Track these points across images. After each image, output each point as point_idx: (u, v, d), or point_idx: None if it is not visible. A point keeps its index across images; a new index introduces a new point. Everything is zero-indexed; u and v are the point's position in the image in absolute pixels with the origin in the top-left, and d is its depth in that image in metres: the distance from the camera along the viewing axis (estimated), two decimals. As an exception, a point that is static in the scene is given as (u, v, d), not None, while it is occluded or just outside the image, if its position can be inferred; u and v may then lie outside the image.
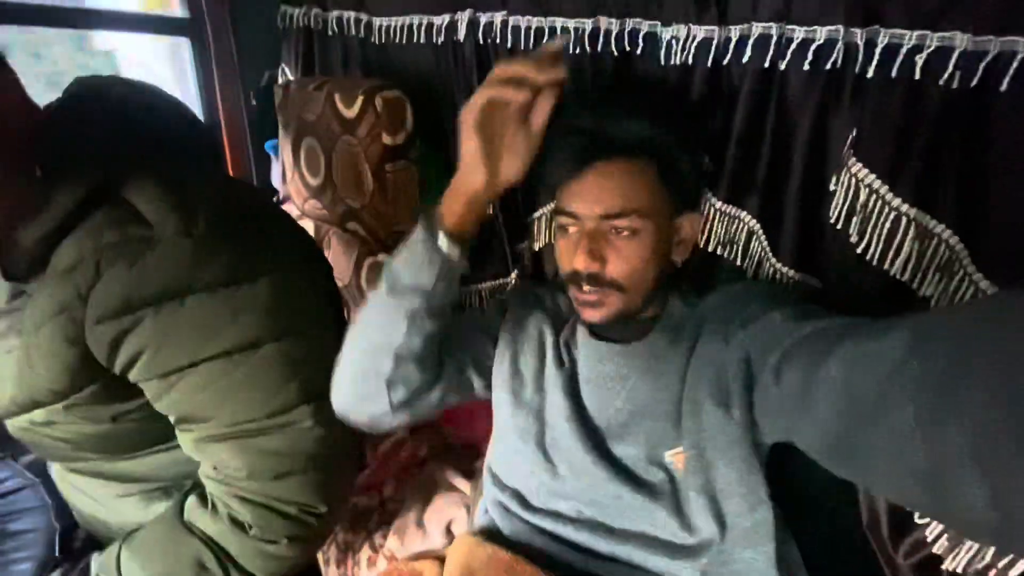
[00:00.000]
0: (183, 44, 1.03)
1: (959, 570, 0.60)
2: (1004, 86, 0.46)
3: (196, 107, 1.09)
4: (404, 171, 0.81)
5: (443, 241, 0.54)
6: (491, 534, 0.69)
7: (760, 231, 0.68)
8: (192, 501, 0.62)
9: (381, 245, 0.85)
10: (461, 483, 0.83)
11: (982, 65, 0.47)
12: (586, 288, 0.62)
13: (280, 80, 1.09)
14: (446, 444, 0.89)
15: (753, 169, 0.65)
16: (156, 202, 0.52)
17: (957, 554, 0.59)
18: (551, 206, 0.84)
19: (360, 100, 0.77)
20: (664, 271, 0.64)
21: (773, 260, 0.67)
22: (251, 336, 0.54)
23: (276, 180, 1.14)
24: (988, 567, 0.58)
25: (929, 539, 0.61)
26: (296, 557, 0.61)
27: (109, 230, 0.51)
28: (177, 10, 1.02)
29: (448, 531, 0.77)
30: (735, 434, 0.58)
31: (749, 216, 0.68)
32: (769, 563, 0.59)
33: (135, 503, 0.68)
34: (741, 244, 0.70)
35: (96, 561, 0.64)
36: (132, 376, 0.55)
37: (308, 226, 0.98)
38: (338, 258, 0.91)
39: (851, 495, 0.67)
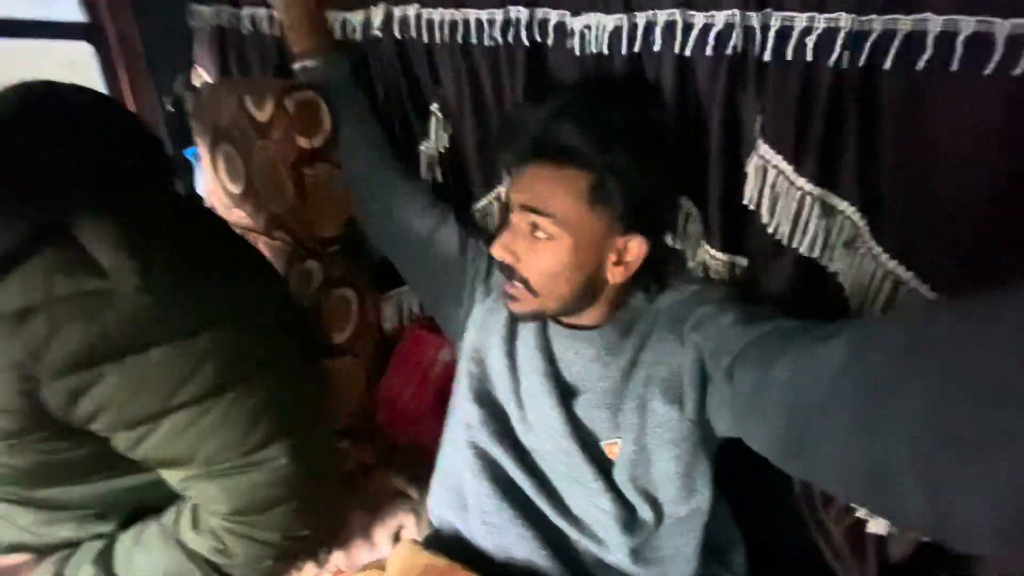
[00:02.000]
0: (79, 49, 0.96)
1: (881, 532, 0.63)
2: (888, 64, 0.48)
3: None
4: (324, 175, 0.79)
5: (297, 66, 0.79)
6: (439, 538, 0.69)
7: (696, 213, 0.68)
8: (185, 520, 0.61)
9: (308, 251, 0.83)
10: (409, 488, 0.81)
11: (867, 44, 0.48)
12: (504, 280, 0.63)
13: (195, 83, 1.04)
14: (393, 448, 0.88)
15: (680, 154, 0.65)
16: (111, 248, 0.48)
17: (876, 517, 0.62)
18: (495, 194, 0.83)
19: (271, 103, 0.74)
20: (592, 287, 0.61)
21: (704, 243, 0.68)
22: (218, 382, 0.53)
23: (202, 189, 1.09)
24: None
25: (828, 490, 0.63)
26: (284, 569, 0.64)
27: (60, 278, 0.47)
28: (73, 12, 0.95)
29: (397, 539, 0.76)
30: (684, 431, 0.59)
31: (685, 198, 0.69)
32: (695, 549, 0.61)
33: (68, 528, 0.65)
34: (681, 227, 0.70)
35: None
36: (94, 428, 0.52)
37: (234, 236, 0.94)
38: (267, 267, 0.88)
39: (784, 467, 0.70)
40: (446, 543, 0.67)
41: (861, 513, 0.64)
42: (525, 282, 0.60)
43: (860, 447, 0.35)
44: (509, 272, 0.61)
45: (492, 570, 0.59)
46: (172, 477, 0.58)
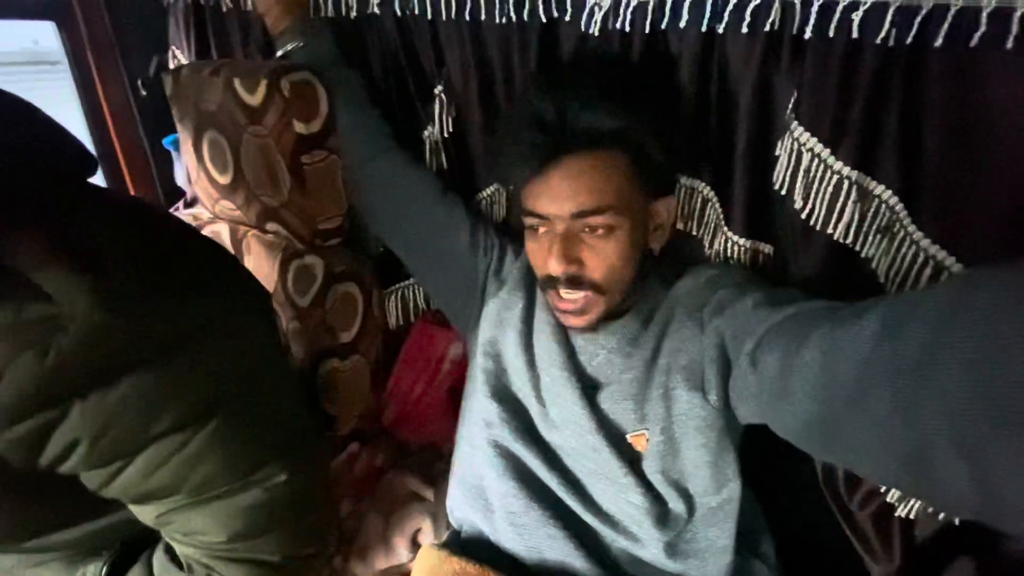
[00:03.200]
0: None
1: (912, 516, 0.63)
2: (939, 41, 0.45)
3: (73, 103, 0.94)
4: (324, 162, 0.73)
5: (279, 52, 0.75)
6: (461, 540, 0.66)
7: (715, 199, 0.66)
8: (160, 562, 0.55)
9: (308, 245, 0.78)
10: (424, 490, 0.79)
11: (917, 20, 0.46)
12: (565, 294, 0.59)
13: (172, 65, 0.97)
14: (403, 449, 0.85)
15: (702, 137, 0.63)
16: (52, 269, 0.40)
17: (908, 502, 0.62)
18: (494, 188, 0.79)
19: (263, 85, 0.68)
20: (643, 263, 0.61)
21: (725, 229, 0.66)
22: (200, 406, 0.46)
23: (181, 180, 1.02)
24: (937, 513, 0.61)
25: (882, 489, 0.63)
26: None
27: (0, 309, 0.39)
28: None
29: (414, 543, 0.73)
30: (709, 419, 0.58)
31: (703, 185, 0.66)
32: (730, 539, 0.60)
33: (55, 569, 0.60)
34: (696, 213, 0.68)
35: None
36: (65, 469, 0.45)
37: (223, 229, 0.88)
38: (260, 263, 0.83)
39: (806, 452, 0.69)
40: (470, 545, 0.64)
41: (887, 498, 0.64)
42: (593, 284, 0.58)
43: (898, 429, 0.33)
44: (575, 282, 0.58)
45: (524, 573, 0.57)
46: (146, 513, 0.51)
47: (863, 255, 0.59)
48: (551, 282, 0.60)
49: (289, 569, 0.56)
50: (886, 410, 0.33)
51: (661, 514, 0.59)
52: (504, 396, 0.66)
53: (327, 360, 0.74)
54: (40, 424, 0.41)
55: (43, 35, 0.90)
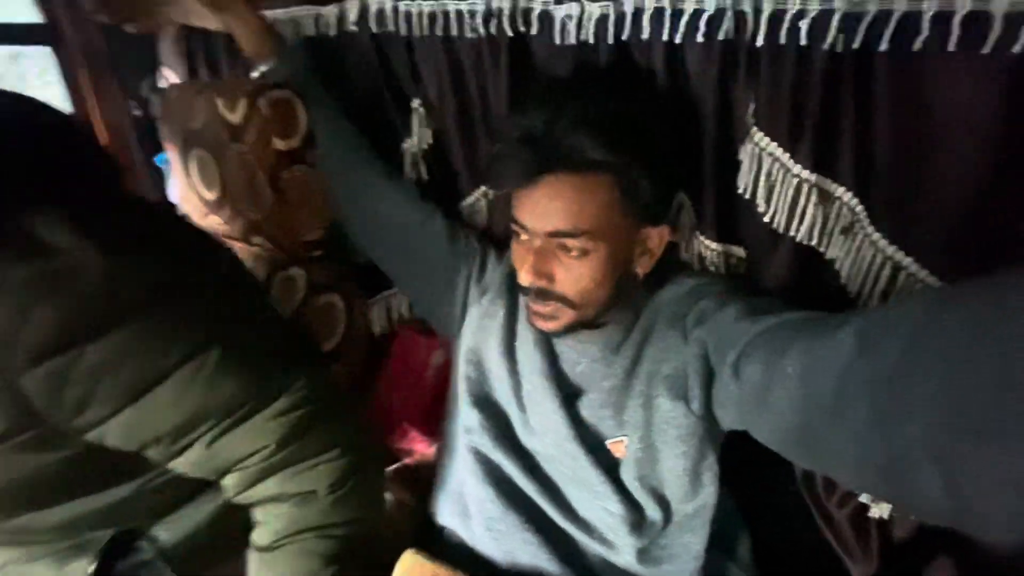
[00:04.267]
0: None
1: (884, 516, 0.63)
2: (884, 46, 0.46)
3: (69, 123, 0.97)
4: (303, 177, 0.76)
5: (255, 73, 0.77)
6: (442, 545, 0.67)
7: (689, 204, 0.67)
8: (256, 534, 0.58)
9: (290, 257, 0.80)
10: (408, 497, 0.79)
11: (862, 26, 0.47)
12: (534, 301, 0.60)
13: (163, 85, 1.00)
14: (388, 457, 0.86)
15: (677, 140, 0.63)
16: (66, 230, 0.46)
17: (881, 502, 0.62)
18: (482, 191, 0.80)
19: (244, 103, 0.71)
20: (625, 284, 0.60)
21: (698, 233, 0.67)
22: (204, 334, 0.51)
23: (173, 196, 1.05)
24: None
25: (841, 482, 0.63)
26: (375, 484, 0.62)
27: (15, 265, 0.44)
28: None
29: (397, 547, 0.74)
30: (691, 427, 0.58)
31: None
32: (703, 544, 0.60)
33: (46, 565, 0.61)
34: (672, 216, 0.69)
35: None
36: (86, 421, 0.49)
37: (212, 243, 0.90)
38: (248, 275, 0.85)
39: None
40: (450, 551, 0.65)
41: (863, 498, 0.64)
42: (562, 299, 0.58)
43: (874, 439, 0.34)
44: (544, 294, 0.59)
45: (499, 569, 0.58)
46: (194, 456, 0.54)
47: (828, 256, 0.59)
48: (524, 290, 0.61)
49: (351, 465, 0.57)
50: (863, 422, 0.35)
51: (637, 521, 0.60)
52: (485, 403, 0.67)
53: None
54: (59, 367, 0.46)
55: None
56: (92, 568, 0.61)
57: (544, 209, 0.56)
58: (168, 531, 0.64)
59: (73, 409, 0.48)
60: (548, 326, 0.61)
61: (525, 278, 0.58)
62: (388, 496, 0.78)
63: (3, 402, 0.46)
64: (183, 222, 0.60)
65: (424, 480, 0.79)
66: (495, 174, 0.61)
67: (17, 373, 0.45)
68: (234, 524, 0.60)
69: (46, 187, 0.48)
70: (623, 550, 0.60)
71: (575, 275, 0.57)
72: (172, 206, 0.61)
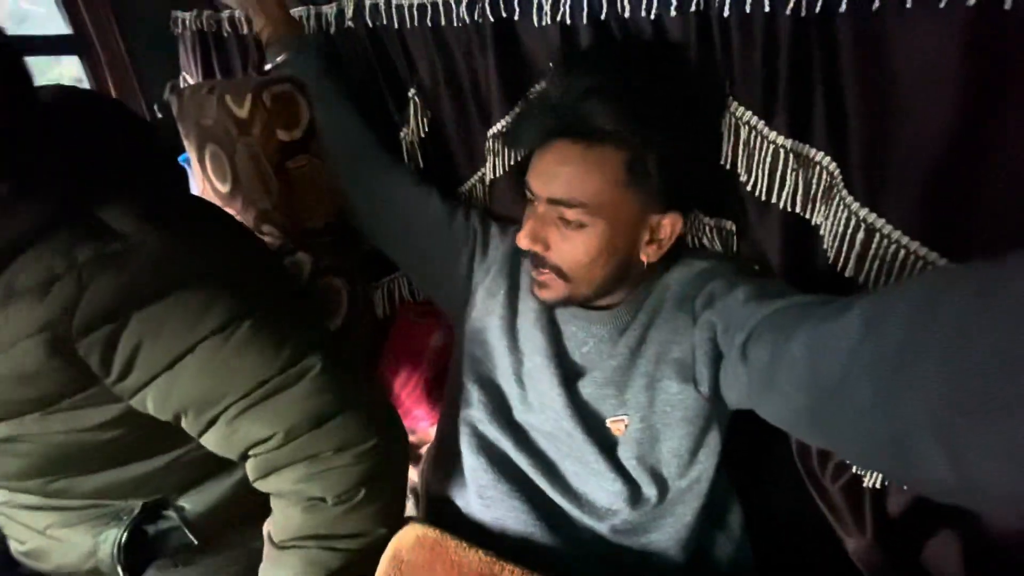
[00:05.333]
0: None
1: (876, 486, 0.62)
2: (843, 8, 0.47)
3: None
4: (307, 166, 0.80)
5: (268, 66, 0.82)
6: (437, 514, 0.70)
7: None
8: (269, 523, 0.62)
9: (297, 243, 0.84)
10: (409, 472, 0.82)
11: (823, -11, 0.48)
12: (532, 268, 0.61)
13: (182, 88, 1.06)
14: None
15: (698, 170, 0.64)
16: (131, 219, 0.51)
17: (872, 473, 0.62)
18: (479, 175, 0.82)
19: (249, 99, 0.75)
20: (626, 267, 0.60)
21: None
22: (237, 307, 0.54)
23: (195, 192, 1.11)
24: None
25: (851, 464, 0.63)
26: (387, 499, 0.61)
27: (79, 247, 0.49)
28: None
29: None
30: (698, 408, 0.59)
31: None
32: (695, 514, 0.61)
33: (85, 530, 0.66)
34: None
35: None
36: (130, 385, 0.54)
37: (227, 235, 0.95)
38: (260, 263, 0.90)
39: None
40: (443, 518, 0.68)
41: (857, 470, 0.64)
42: (556, 269, 0.59)
43: (880, 419, 0.35)
44: (539, 260, 0.60)
45: (486, 541, 0.60)
46: (218, 432, 0.57)
47: (813, 223, 0.60)
48: (523, 254, 0.62)
49: (358, 466, 0.58)
50: (868, 402, 0.35)
51: (632, 497, 0.60)
52: (484, 380, 0.68)
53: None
54: (109, 332, 0.51)
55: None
56: (125, 535, 0.66)
57: (550, 174, 0.57)
58: (192, 502, 0.68)
59: (120, 373, 0.53)
60: (542, 294, 0.62)
61: (522, 240, 0.59)
62: (410, 506, 0.78)
63: (63, 365, 0.51)
64: (224, 212, 0.65)
65: (424, 457, 0.82)
66: (515, 133, 0.63)
67: (75, 339, 0.50)
68: (254, 499, 0.62)
69: (121, 179, 0.54)
70: (615, 522, 0.61)
71: (568, 246, 0.57)
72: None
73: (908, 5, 0.44)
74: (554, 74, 0.60)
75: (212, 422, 0.57)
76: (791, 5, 0.49)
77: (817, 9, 0.48)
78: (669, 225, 0.58)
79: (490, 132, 0.76)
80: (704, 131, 0.59)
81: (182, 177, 0.67)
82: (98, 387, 0.54)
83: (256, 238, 0.66)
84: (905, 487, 0.61)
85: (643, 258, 0.59)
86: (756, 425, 0.70)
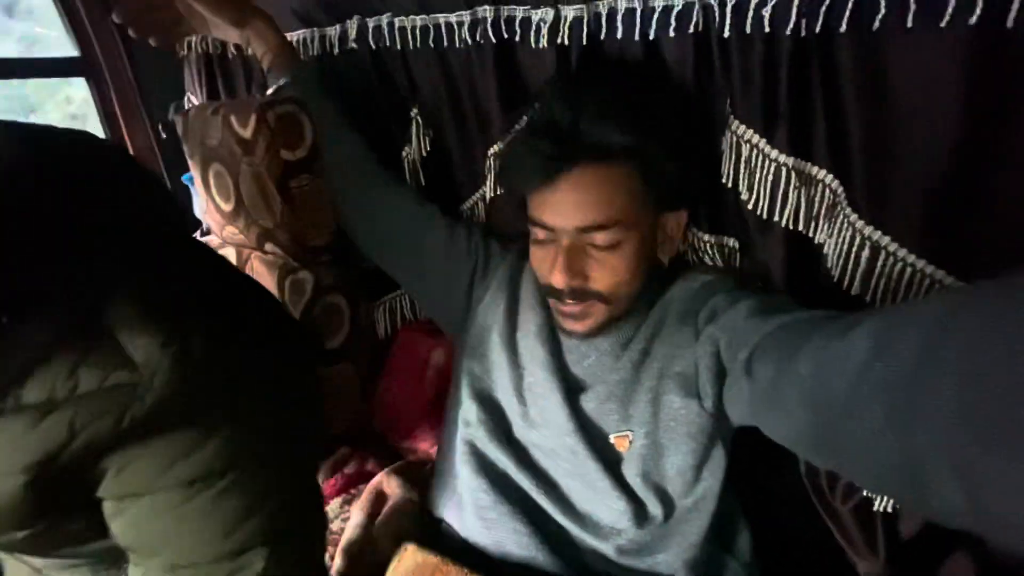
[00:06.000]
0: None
1: (888, 510, 0.61)
2: (843, 28, 0.47)
3: (103, 147, 1.06)
4: (310, 185, 0.80)
5: (270, 89, 0.83)
6: (437, 536, 0.68)
7: None
8: None
9: (301, 261, 0.84)
10: (411, 493, 0.81)
11: (822, 9, 0.48)
12: (568, 301, 0.60)
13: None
14: (393, 454, 0.88)
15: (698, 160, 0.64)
16: (147, 338, 0.43)
17: (883, 496, 0.61)
18: (480, 194, 0.82)
19: (253, 119, 0.76)
20: (651, 272, 0.61)
21: (692, 226, 0.68)
22: (213, 465, 0.46)
23: (199, 212, 1.12)
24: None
25: (856, 483, 0.62)
26: None
27: (88, 371, 0.43)
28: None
29: (398, 542, 0.75)
30: (702, 424, 0.58)
31: None
32: (701, 534, 0.60)
33: (82, 572, 0.64)
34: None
35: None
36: (99, 492, 0.47)
37: (231, 253, 0.96)
38: (264, 281, 0.89)
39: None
40: (444, 541, 0.66)
41: (865, 492, 0.63)
42: (598, 295, 0.59)
43: (891, 444, 0.33)
44: (579, 293, 0.59)
45: (488, 566, 0.58)
46: (134, 573, 0.51)
47: (816, 241, 0.59)
48: (555, 292, 0.60)
49: None
50: (878, 425, 0.34)
51: (638, 516, 0.59)
52: (484, 397, 0.67)
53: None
54: (90, 456, 0.44)
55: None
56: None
57: (572, 204, 0.56)
58: None
59: (97, 478, 0.46)
60: (580, 327, 0.61)
61: (559, 279, 0.57)
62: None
63: (33, 497, 0.44)
64: (264, 297, 0.55)
65: (427, 477, 0.81)
66: (512, 174, 0.61)
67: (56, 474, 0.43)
68: None
69: (141, 267, 0.45)
70: (620, 543, 0.59)
71: (609, 269, 0.57)
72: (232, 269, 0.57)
73: (909, 24, 0.44)
74: (549, 105, 0.59)
75: (135, 564, 0.51)
76: (791, 25, 0.49)
77: (817, 29, 0.49)
78: (675, 220, 0.61)
79: (491, 151, 0.76)
80: (691, 129, 0.61)
81: (198, 247, 0.56)
82: (72, 493, 0.47)
83: (283, 322, 0.56)
84: (916, 513, 0.60)
85: (662, 258, 0.61)
86: (764, 445, 0.70)
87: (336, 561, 0.73)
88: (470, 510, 0.63)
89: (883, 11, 0.45)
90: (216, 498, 0.47)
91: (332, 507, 0.79)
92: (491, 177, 0.78)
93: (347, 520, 0.76)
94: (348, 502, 0.79)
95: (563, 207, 0.56)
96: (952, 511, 0.31)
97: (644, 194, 0.56)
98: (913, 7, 0.44)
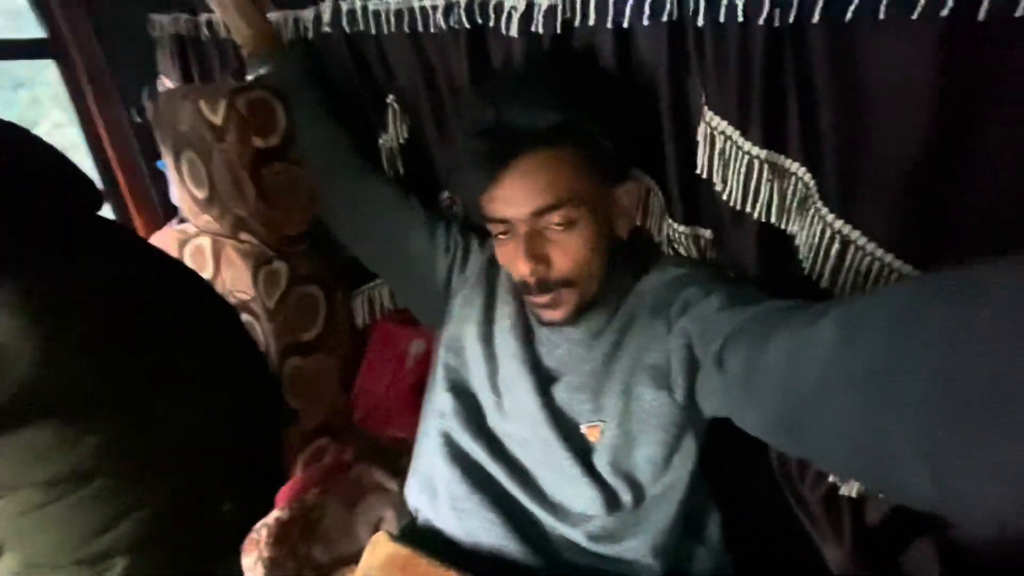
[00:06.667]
0: None
1: (853, 495, 0.62)
2: (815, 18, 0.46)
3: (75, 132, 1.03)
4: (284, 173, 0.79)
5: (250, 76, 0.81)
6: (413, 528, 0.69)
7: (656, 187, 0.68)
8: None
9: (276, 251, 0.83)
10: (389, 482, 0.82)
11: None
12: (538, 294, 0.60)
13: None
14: (372, 444, 0.88)
15: (634, 125, 0.64)
16: (13, 319, 0.40)
17: (851, 482, 0.61)
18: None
19: (223, 105, 0.74)
20: (611, 249, 0.62)
21: (667, 217, 0.67)
22: (85, 466, 0.44)
23: (176, 198, 1.10)
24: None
25: (831, 475, 0.63)
26: None
27: None
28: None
29: (376, 531, 0.76)
30: (673, 416, 0.58)
31: (643, 173, 0.68)
32: (669, 520, 0.60)
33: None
34: (642, 201, 0.69)
35: None
36: None
37: (206, 242, 0.94)
38: (238, 271, 0.88)
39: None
40: (419, 532, 0.67)
41: (833, 478, 0.64)
42: (563, 281, 0.59)
43: (859, 430, 0.34)
44: (544, 284, 0.59)
45: (460, 556, 0.59)
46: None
47: (788, 233, 0.59)
48: (525, 287, 0.61)
49: None
50: (847, 413, 0.35)
51: (609, 503, 0.60)
52: (460, 389, 0.68)
53: (290, 358, 0.78)
54: None
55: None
56: None
57: (519, 193, 0.56)
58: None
59: None
60: (556, 314, 0.61)
61: (523, 268, 0.58)
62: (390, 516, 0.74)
63: None
64: (194, 290, 0.52)
65: (405, 467, 0.81)
66: (462, 183, 0.62)
67: None
68: None
69: (22, 245, 0.43)
70: (592, 530, 0.60)
71: (569, 248, 0.58)
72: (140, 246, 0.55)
73: (881, 16, 0.44)
74: (475, 105, 0.60)
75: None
76: (764, 15, 0.48)
77: (791, 19, 0.48)
78: (627, 194, 0.62)
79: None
80: (618, 98, 0.61)
81: (89, 218, 0.52)
82: None
83: (224, 331, 0.54)
84: (883, 496, 0.61)
85: (621, 234, 0.62)
86: (735, 435, 0.70)
87: (314, 548, 0.74)
88: (444, 500, 0.64)
89: (855, 1, 0.44)
90: (80, 503, 0.44)
91: (309, 496, 0.79)
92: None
93: (325, 510, 0.77)
94: (326, 491, 0.80)
95: (513, 198, 0.57)
96: (919, 494, 0.32)
97: (587, 170, 0.57)
98: (885, -1, 0.43)
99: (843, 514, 0.64)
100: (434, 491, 0.66)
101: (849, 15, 0.45)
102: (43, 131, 0.49)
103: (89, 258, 0.48)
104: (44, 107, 1.36)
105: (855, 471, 0.41)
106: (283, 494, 0.79)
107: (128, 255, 0.54)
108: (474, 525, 0.61)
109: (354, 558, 0.71)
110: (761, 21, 0.49)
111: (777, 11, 0.48)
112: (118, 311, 0.46)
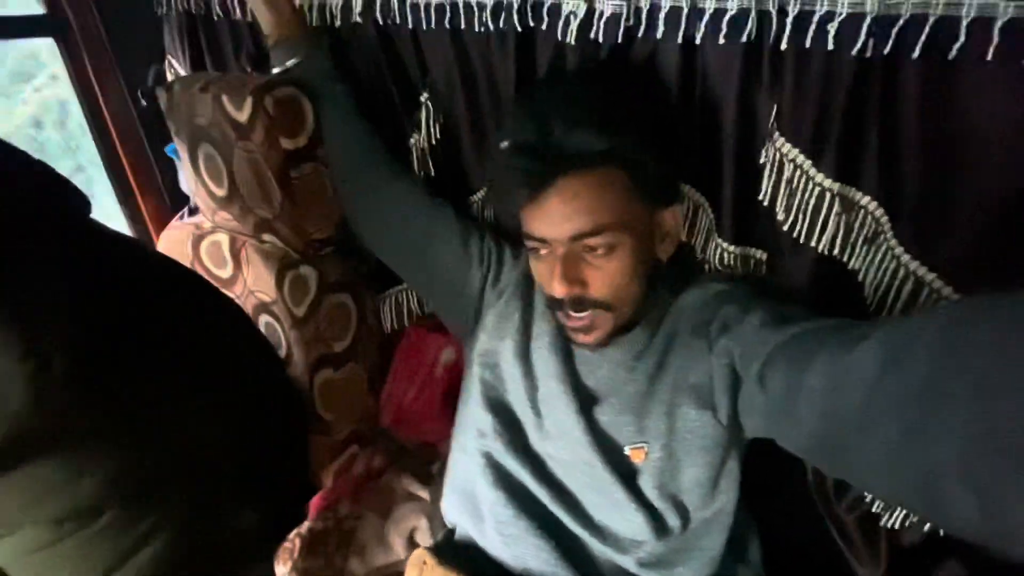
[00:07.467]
0: None
1: (896, 526, 0.63)
2: (916, 53, 0.44)
3: (77, 114, 0.97)
4: (312, 175, 0.75)
5: (276, 69, 0.75)
6: (452, 543, 0.69)
7: (707, 204, 0.65)
8: None
9: (302, 255, 0.80)
10: (420, 490, 0.81)
11: (894, 31, 0.44)
12: (572, 314, 0.59)
13: (169, 74, 0.98)
14: (401, 450, 0.87)
15: (689, 144, 0.62)
16: (10, 341, 0.37)
17: (892, 512, 0.62)
18: (484, 192, 0.78)
19: (249, 103, 0.69)
20: (652, 274, 0.60)
21: (716, 235, 0.65)
22: (92, 500, 0.42)
23: (185, 186, 1.05)
24: (923, 522, 0.61)
25: (867, 498, 0.63)
26: None
27: None
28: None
29: (411, 541, 0.76)
30: (717, 437, 0.58)
31: (694, 190, 0.65)
32: (719, 548, 0.61)
33: None
34: (689, 218, 0.67)
35: None
36: None
37: (223, 239, 0.90)
38: (259, 272, 0.85)
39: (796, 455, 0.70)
40: (460, 550, 0.67)
41: (873, 508, 0.64)
42: (599, 303, 0.57)
43: (905, 455, 0.34)
44: (579, 303, 0.57)
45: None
46: None
47: (850, 267, 0.58)
48: (557, 303, 0.59)
49: None
50: (894, 438, 0.34)
51: (656, 528, 0.59)
52: (499, 408, 0.66)
53: (322, 370, 0.76)
54: None
55: None
56: None
57: (561, 215, 0.54)
58: None
59: None
60: (589, 339, 0.60)
61: (558, 289, 0.56)
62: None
63: None
64: (194, 297, 0.48)
65: (435, 474, 0.81)
66: (500, 195, 0.60)
67: None
68: None
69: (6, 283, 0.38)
70: (640, 556, 0.60)
71: (607, 274, 0.56)
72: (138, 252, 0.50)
73: (990, 57, 0.41)
74: (519, 124, 0.57)
75: None
76: (858, 46, 0.45)
77: (887, 51, 0.45)
78: (671, 216, 0.60)
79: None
80: (667, 124, 0.60)
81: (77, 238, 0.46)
82: None
83: (228, 337, 0.51)
84: (930, 524, 0.61)
85: (662, 257, 0.61)
86: (771, 454, 0.70)
87: (351, 560, 0.74)
88: (490, 524, 0.63)
89: (962, 39, 0.42)
90: (93, 537, 0.43)
91: (343, 507, 0.79)
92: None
93: (359, 521, 0.76)
94: (358, 501, 0.79)
95: (553, 219, 0.55)
96: (966, 524, 0.32)
97: (633, 194, 0.55)
98: (996, 40, 0.40)
99: (880, 537, 0.65)
100: (478, 512, 0.65)
101: (954, 52, 0.42)
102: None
103: (73, 279, 0.43)
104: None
105: (900, 496, 0.41)
106: (315, 504, 0.79)
107: (120, 266, 0.49)
108: (522, 551, 0.61)
109: (389, 569, 0.71)
110: (854, 52, 0.46)
111: (871, 41, 0.45)
112: (105, 340, 0.42)
